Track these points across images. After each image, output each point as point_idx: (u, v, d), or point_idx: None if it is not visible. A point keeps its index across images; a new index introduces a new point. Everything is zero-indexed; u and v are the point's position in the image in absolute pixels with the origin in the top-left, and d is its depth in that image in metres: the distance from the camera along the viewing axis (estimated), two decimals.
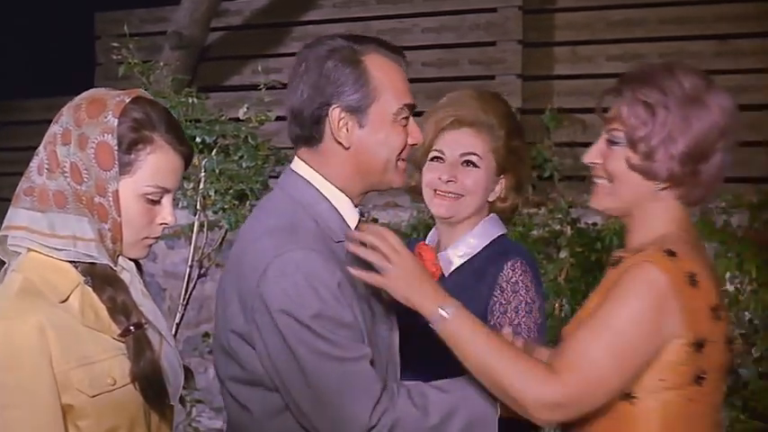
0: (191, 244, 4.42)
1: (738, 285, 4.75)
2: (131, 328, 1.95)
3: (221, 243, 4.52)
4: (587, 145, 2.27)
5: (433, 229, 2.77)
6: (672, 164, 2.06)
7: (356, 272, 2.05)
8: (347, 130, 2.13)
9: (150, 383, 1.96)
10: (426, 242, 2.73)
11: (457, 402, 2.10)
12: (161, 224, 2.03)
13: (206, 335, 5.97)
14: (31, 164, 1.99)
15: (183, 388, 2.11)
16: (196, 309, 6.00)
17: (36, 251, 1.93)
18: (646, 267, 2.00)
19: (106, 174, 1.93)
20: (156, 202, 2.00)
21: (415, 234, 5.05)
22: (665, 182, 2.09)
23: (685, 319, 2.00)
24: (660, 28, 5.90)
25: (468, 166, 2.59)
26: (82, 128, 1.93)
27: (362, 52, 2.16)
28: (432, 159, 2.64)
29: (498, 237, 2.64)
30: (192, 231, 4.40)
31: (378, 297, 2.20)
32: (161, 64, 4.54)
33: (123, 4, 7.19)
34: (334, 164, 2.17)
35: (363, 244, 2.09)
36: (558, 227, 4.98)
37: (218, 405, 5.94)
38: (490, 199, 2.63)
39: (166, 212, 2.01)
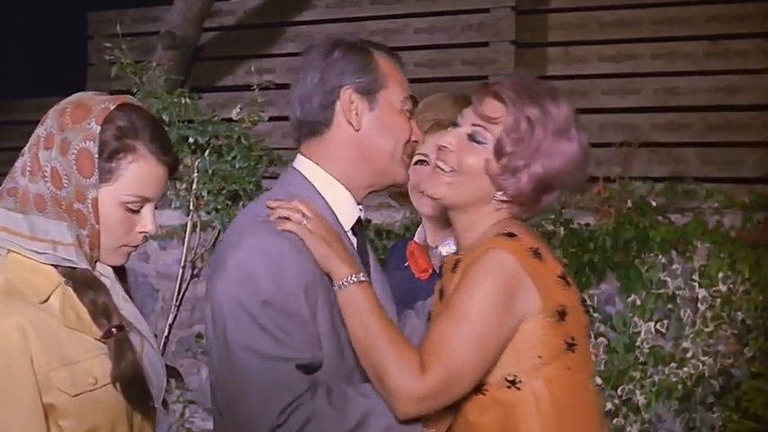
0: (183, 244, 4.41)
1: (731, 285, 4.76)
2: (113, 330, 1.94)
3: (214, 243, 4.51)
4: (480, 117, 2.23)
5: (420, 227, 2.84)
6: (524, 185, 2.11)
7: (281, 221, 2.06)
8: (357, 113, 2.16)
9: (132, 384, 1.96)
10: (416, 240, 2.81)
11: (377, 408, 2.07)
12: (141, 233, 2.01)
13: (199, 335, 5.97)
14: (15, 164, 1.98)
15: (172, 389, 2.11)
16: (189, 309, 5.99)
17: (16, 252, 1.93)
18: (491, 253, 2.04)
19: (86, 181, 1.92)
20: (136, 212, 1.99)
21: (408, 234, 5.05)
22: (509, 197, 2.14)
23: (542, 292, 2.05)
24: (652, 28, 5.91)
25: None
26: (65, 133, 1.93)
27: (369, 47, 2.21)
28: (416, 163, 2.69)
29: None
30: (185, 232, 4.38)
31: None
32: (154, 64, 4.51)
33: (116, 4, 7.18)
34: (340, 153, 2.19)
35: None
36: (550, 227, 4.98)
37: (210, 406, 5.94)
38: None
39: (146, 221, 2.00)
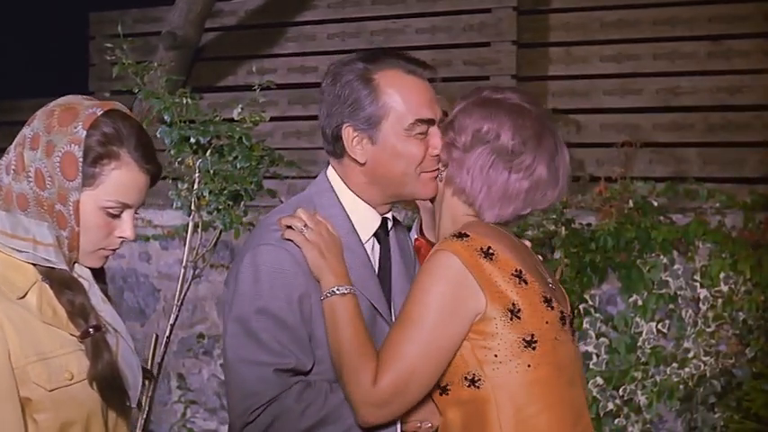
0: (185, 245, 4.41)
1: (732, 286, 4.77)
2: (90, 330, 1.96)
3: (215, 244, 4.51)
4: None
5: (416, 224, 2.91)
6: (468, 183, 2.23)
7: (285, 230, 2.16)
8: (361, 147, 2.23)
9: (109, 384, 1.98)
10: (412, 236, 2.84)
11: (340, 409, 2.16)
12: (119, 237, 2.03)
13: (200, 336, 5.98)
14: (1, 161, 2.01)
15: (146, 390, 2.13)
16: (190, 310, 5.99)
17: None
18: (437, 255, 2.13)
19: (69, 183, 1.94)
20: (116, 216, 2.01)
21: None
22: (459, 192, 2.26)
23: (489, 292, 2.10)
24: (654, 29, 5.91)
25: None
26: (51, 135, 1.95)
27: (375, 70, 2.23)
28: None
29: None
30: (187, 232, 4.38)
31: None
32: (155, 64, 4.52)
33: (117, 5, 7.18)
34: (354, 176, 2.28)
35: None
36: (552, 227, 4.99)
37: (212, 406, 5.94)
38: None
39: (126, 227, 2.02)
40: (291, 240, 2.16)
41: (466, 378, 2.12)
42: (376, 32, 6.51)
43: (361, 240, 2.29)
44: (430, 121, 2.25)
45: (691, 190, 5.24)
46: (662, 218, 5.02)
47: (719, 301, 4.78)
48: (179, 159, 4.21)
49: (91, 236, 1.99)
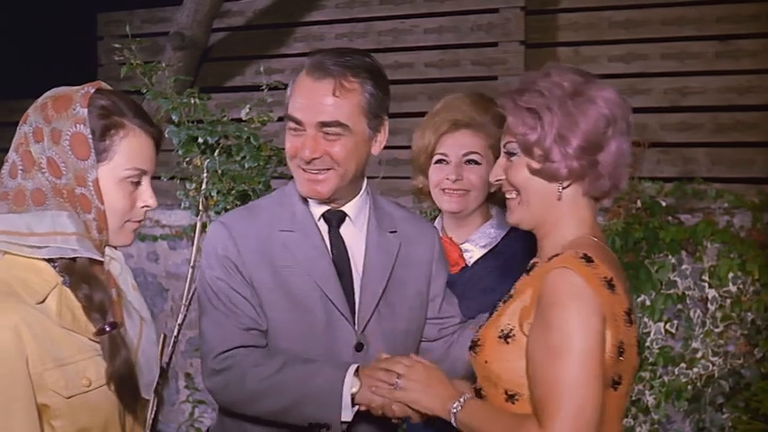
0: (193, 245, 4.41)
1: (741, 286, 4.76)
2: (106, 328, 1.95)
3: None
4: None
5: (438, 222, 2.93)
6: (569, 161, 2.09)
7: (377, 398, 2.24)
8: None
9: (125, 384, 1.97)
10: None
11: (285, 384, 2.30)
12: (143, 207, 2.05)
13: None
14: (2, 170, 1.99)
15: (166, 385, 2.15)
16: (198, 309, 6.00)
17: (12, 253, 1.93)
18: (564, 273, 2.01)
19: (84, 163, 1.95)
20: (137, 184, 2.03)
21: None
22: (567, 179, 2.11)
23: (609, 324, 2.00)
24: (662, 29, 5.89)
25: (470, 164, 2.78)
26: (52, 123, 1.95)
27: None
28: (436, 162, 2.82)
29: (512, 227, 2.76)
30: (195, 232, 4.39)
31: (292, 292, 2.39)
32: (163, 65, 4.52)
33: (125, 5, 7.19)
34: None
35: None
36: None
37: None
38: (492, 189, 2.73)
39: (147, 195, 2.05)
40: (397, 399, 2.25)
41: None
42: (384, 32, 6.51)
43: (315, 223, 2.42)
44: (298, 122, 2.34)
45: (699, 190, 5.23)
46: (670, 218, 5.00)
47: (728, 301, 4.77)
48: (187, 159, 4.21)
49: (117, 211, 2.00)
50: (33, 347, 1.86)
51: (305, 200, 2.43)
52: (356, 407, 2.26)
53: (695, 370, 4.81)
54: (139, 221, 2.08)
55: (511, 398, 2.07)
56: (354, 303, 2.40)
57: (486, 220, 2.85)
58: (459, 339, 2.57)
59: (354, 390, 2.24)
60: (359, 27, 6.60)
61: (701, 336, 4.82)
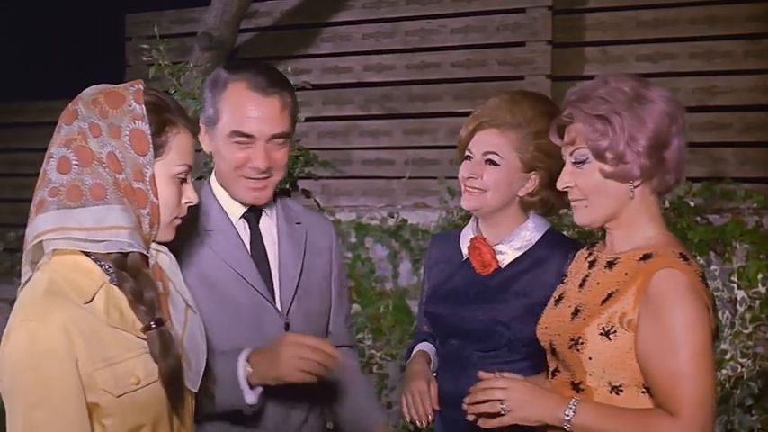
0: None
1: None
2: (152, 324, 1.96)
3: None
4: (567, 145, 2.31)
5: (471, 224, 2.89)
6: (641, 160, 2.20)
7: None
8: (206, 141, 2.51)
9: (174, 380, 1.99)
10: (470, 235, 2.85)
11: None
12: (186, 203, 2.11)
13: None
14: (46, 168, 1.98)
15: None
16: None
17: (62, 252, 1.95)
18: (672, 273, 2.14)
19: (142, 159, 1.99)
20: (184, 181, 2.09)
21: None
22: (639, 178, 2.23)
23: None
24: (690, 28, 5.87)
25: (489, 164, 2.72)
26: (109, 119, 1.97)
27: (230, 79, 2.47)
28: (465, 158, 2.78)
29: (548, 230, 2.80)
30: None
31: (215, 286, 2.47)
32: (191, 65, 4.55)
33: (153, 6, 7.24)
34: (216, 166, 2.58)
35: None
36: (587, 228, 4.96)
37: None
38: (520, 194, 2.74)
39: (189, 192, 2.12)
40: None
41: (645, 386, 2.17)
42: (411, 33, 6.52)
43: (231, 221, 2.54)
44: (248, 136, 2.44)
45: (728, 190, 5.20)
46: (698, 218, 4.98)
47: (757, 302, 4.74)
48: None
49: (168, 206, 2.06)
50: (82, 347, 1.87)
51: (213, 196, 2.58)
52: (257, 388, 2.36)
53: (724, 371, 4.78)
54: (182, 218, 2.12)
55: (615, 389, 2.19)
56: (274, 290, 2.56)
57: (519, 223, 2.80)
58: None
59: (247, 372, 2.35)
60: (386, 27, 6.61)
61: (730, 337, 4.79)
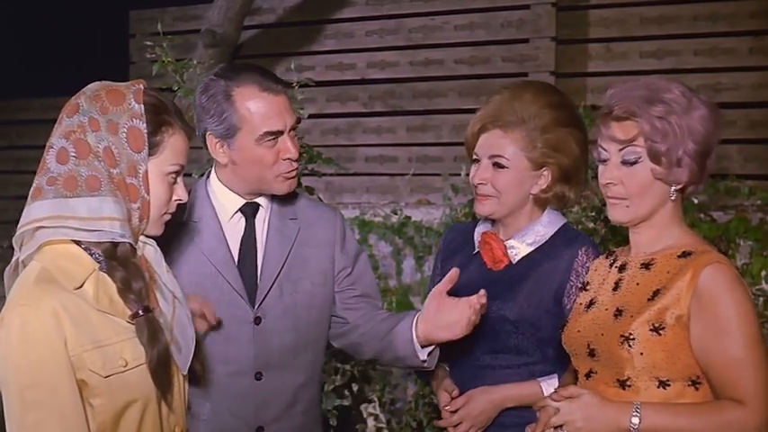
0: None
1: None
2: (140, 312, 2.06)
3: None
4: (621, 142, 2.32)
5: (484, 220, 2.86)
6: (692, 165, 2.29)
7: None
8: (223, 152, 2.66)
9: (162, 363, 2.08)
10: (483, 229, 2.84)
11: None
12: (176, 200, 2.21)
13: None
14: (46, 157, 2.08)
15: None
16: None
17: (51, 242, 2.04)
18: (720, 268, 2.23)
19: (137, 156, 2.09)
20: (175, 179, 2.18)
21: None
22: (685, 183, 2.32)
23: None
24: (694, 24, 5.86)
25: (497, 167, 2.69)
26: (108, 115, 2.08)
27: (234, 86, 2.61)
28: (473, 161, 2.76)
29: (563, 225, 2.77)
30: None
31: (195, 279, 2.61)
32: (194, 62, 4.55)
33: (157, 3, 7.24)
34: (221, 172, 2.73)
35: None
36: (591, 225, 4.95)
37: None
38: (533, 192, 2.72)
39: (180, 190, 2.22)
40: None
41: (691, 379, 2.25)
42: (414, 29, 6.51)
43: (217, 216, 2.68)
44: (278, 132, 2.61)
45: (732, 187, 5.19)
46: (702, 215, 4.97)
47: (761, 299, 4.73)
48: None
49: (158, 203, 2.15)
50: (71, 329, 1.98)
51: (207, 194, 2.72)
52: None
53: None
54: (171, 213, 2.22)
55: (662, 384, 2.25)
56: (257, 284, 2.68)
57: (534, 218, 2.75)
58: (374, 316, 2.79)
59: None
60: (389, 24, 6.60)
61: None
